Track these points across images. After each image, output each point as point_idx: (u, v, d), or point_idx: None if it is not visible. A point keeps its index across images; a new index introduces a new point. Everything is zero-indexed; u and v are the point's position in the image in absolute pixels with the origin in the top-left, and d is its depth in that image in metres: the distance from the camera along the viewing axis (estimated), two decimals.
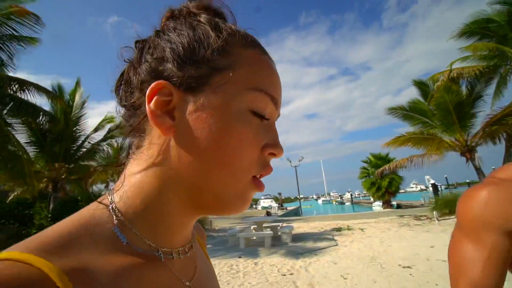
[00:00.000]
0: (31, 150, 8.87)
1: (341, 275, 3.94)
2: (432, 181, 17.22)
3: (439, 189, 20.65)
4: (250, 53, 0.32)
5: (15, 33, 7.10)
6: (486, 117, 9.22)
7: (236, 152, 0.30)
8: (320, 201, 65.92)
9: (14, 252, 0.23)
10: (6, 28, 6.93)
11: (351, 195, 51.88)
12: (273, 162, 0.35)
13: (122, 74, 0.35)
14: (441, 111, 9.70)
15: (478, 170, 9.52)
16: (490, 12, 9.42)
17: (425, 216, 10.06)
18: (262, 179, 0.34)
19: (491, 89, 10.24)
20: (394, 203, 20.23)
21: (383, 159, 17.16)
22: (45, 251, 0.23)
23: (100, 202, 0.31)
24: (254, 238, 7.77)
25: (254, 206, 47.55)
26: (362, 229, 8.58)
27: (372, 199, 22.53)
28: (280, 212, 25.25)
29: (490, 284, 0.49)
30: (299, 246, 6.52)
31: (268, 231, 7.33)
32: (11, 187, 10.97)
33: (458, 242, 0.53)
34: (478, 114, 9.78)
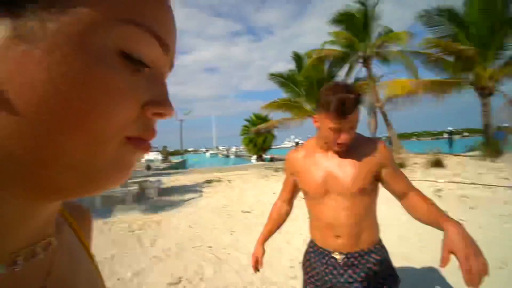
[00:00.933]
0: None
1: (189, 226, 4.27)
2: (296, 140, 21.11)
3: None
4: None
5: None
6: None
7: (99, 109, 0.19)
8: (208, 154, 68.77)
9: None
10: None
11: (236, 149, 56.78)
12: None
13: None
14: (308, 84, 11.50)
15: None
16: (354, 7, 11.27)
17: (281, 168, 12.29)
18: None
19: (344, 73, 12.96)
20: (268, 156, 23.62)
21: (262, 119, 19.18)
22: None
23: None
24: (118, 195, 7.23)
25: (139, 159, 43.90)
26: (229, 181, 9.58)
27: (251, 154, 25.35)
28: (163, 165, 24.61)
29: (284, 194, 1.26)
30: (164, 200, 6.59)
31: (134, 187, 6.95)
32: None
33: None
34: None
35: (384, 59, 12.29)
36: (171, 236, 3.81)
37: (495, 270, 2.44)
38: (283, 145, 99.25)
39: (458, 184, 6.23)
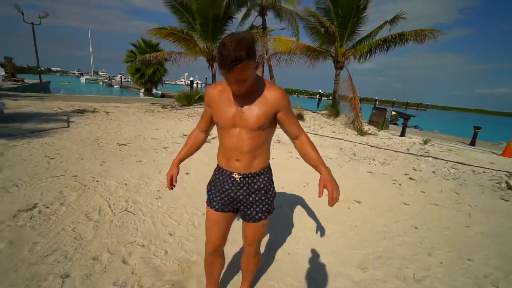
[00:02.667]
0: None
1: (46, 156, 3.87)
2: (191, 78, 20.26)
3: (197, 85, 24.92)
4: None
5: None
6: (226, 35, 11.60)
7: None
8: (83, 80, 55.74)
9: None
10: None
11: (122, 78, 48.58)
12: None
13: None
14: (203, 17, 10.76)
15: (214, 75, 12.41)
16: None
17: (170, 105, 11.97)
18: None
19: (240, 16, 12.82)
20: (158, 92, 21.82)
21: (152, 48, 16.96)
22: None
23: None
24: None
25: None
26: (107, 112, 8.63)
27: (139, 86, 22.57)
28: (9, 85, 18.40)
29: (201, 124, 1.41)
30: (10, 128, 5.37)
31: None
32: None
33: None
34: (225, 31, 12.06)
35: (278, 14, 13.03)
36: (20, 167, 3.39)
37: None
38: (178, 82, 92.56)
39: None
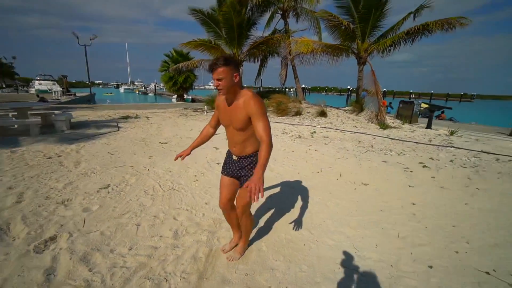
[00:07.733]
0: None
1: (108, 152, 4.89)
2: None
3: None
4: None
5: None
6: (251, 40, 12.28)
7: None
8: (122, 89, 61.16)
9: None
10: None
11: (155, 86, 52.34)
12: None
13: None
14: (228, 25, 11.61)
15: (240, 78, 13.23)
16: None
17: (201, 109, 13.03)
18: None
19: (263, 20, 13.46)
20: (189, 97, 23.39)
21: (183, 57, 18.36)
22: None
23: None
24: (16, 126, 6.72)
25: (24, 88, 35.76)
26: (147, 117, 9.85)
27: (171, 93, 24.40)
28: (65, 99, 21.29)
29: (211, 122, 1.95)
30: (78, 133, 6.64)
31: (36, 119, 6.58)
32: None
33: None
34: (250, 37, 12.80)
35: (299, 16, 13.43)
36: (93, 160, 4.41)
37: (334, 176, 4.34)
38: (206, 87, 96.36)
39: (327, 128, 8.65)
